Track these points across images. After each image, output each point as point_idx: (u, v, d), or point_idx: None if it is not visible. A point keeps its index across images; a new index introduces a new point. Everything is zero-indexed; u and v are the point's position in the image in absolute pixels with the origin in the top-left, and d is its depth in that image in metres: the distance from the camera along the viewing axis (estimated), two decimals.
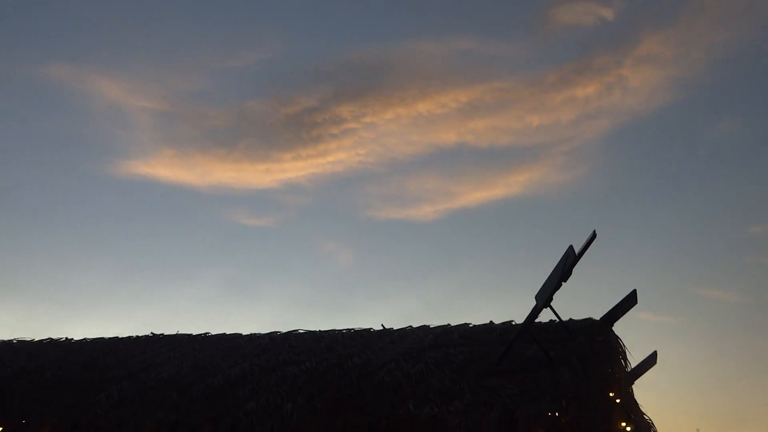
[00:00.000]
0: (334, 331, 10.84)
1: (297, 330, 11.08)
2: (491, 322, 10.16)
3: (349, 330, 10.88)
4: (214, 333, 11.70)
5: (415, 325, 10.70)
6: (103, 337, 11.74)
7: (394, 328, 10.43)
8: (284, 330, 11.17)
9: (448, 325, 10.67)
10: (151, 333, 11.76)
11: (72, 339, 12.25)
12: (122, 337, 11.58)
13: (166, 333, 11.86)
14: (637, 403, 9.62)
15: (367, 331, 10.66)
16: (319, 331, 11.18)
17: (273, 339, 11.14)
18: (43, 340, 12.35)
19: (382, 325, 10.48)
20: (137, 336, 11.78)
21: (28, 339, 12.45)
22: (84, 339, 12.10)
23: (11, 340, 12.36)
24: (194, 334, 11.55)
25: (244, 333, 11.56)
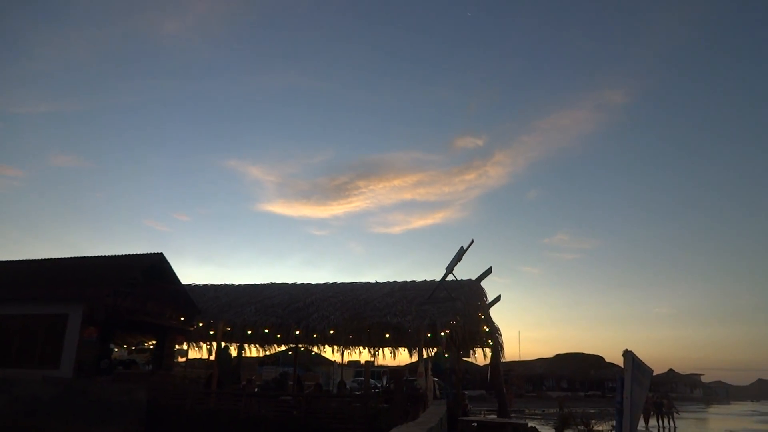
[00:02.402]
0: (353, 282, 20.21)
1: (337, 282, 20.57)
2: (425, 280, 19.16)
3: (361, 282, 20.21)
4: (299, 282, 21.20)
5: (390, 281, 19.87)
6: (249, 283, 21.56)
7: (381, 282, 19.81)
8: (330, 282, 20.64)
9: (413, 281, 19.72)
10: (270, 282, 21.58)
11: (234, 284, 22.01)
12: (256, 284, 21.44)
13: (275, 282, 21.52)
14: (491, 318, 18.06)
15: (369, 282, 19.98)
16: (347, 282, 20.44)
17: (326, 286, 20.48)
18: (211, 284, 22.31)
19: (376, 280, 19.92)
20: (261, 283, 21.57)
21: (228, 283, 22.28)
22: (239, 284, 21.83)
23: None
24: (289, 282, 21.19)
25: (312, 282, 21.03)
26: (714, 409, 64.46)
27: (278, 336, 18.24)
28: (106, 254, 18.52)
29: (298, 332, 17.11)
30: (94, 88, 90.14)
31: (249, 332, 17.66)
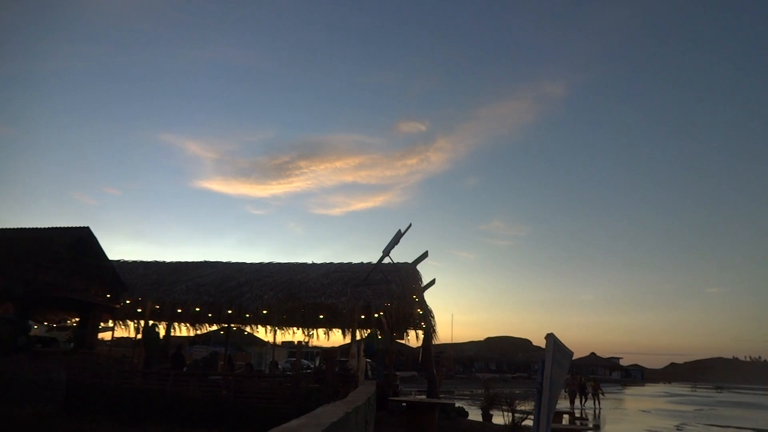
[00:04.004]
0: (289, 263, 20.10)
1: (272, 262, 20.40)
2: (362, 262, 19.20)
3: (297, 263, 20.13)
4: (233, 261, 20.85)
5: (327, 262, 19.87)
6: (181, 261, 21.04)
7: (317, 263, 19.78)
8: (266, 261, 20.46)
9: (350, 263, 19.75)
10: (204, 260, 21.13)
11: (165, 261, 21.39)
12: (188, 261, 20.94)
13: (209, 260, 21.08)
14: (425, 301, 18.45)
15: (305, 263, 19.91)
16: (283, 263, 20.30)
17: (261, 265, 20.22)
18: (140, 261, 21.63)
19: (313, 261, 19.87)
20: (194, 261, 21.10)
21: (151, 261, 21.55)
22: (170, 261, 21.33)
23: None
24: (224, 261, 20.83)
25: (247, 262, 20.70)
26: (630, 390, 68.30)
27: (209, 315, 17.95)
28: (29, 227, 17.60)
29: (230, 312, 16.85)
30: (18, 50, 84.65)
31: (179, 311, 17.29)
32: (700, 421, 26.18)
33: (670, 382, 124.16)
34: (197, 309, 16.98)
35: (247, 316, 17.18)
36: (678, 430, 21.66)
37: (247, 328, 21.69)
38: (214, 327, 22.41)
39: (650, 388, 78.12)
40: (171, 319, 18.83)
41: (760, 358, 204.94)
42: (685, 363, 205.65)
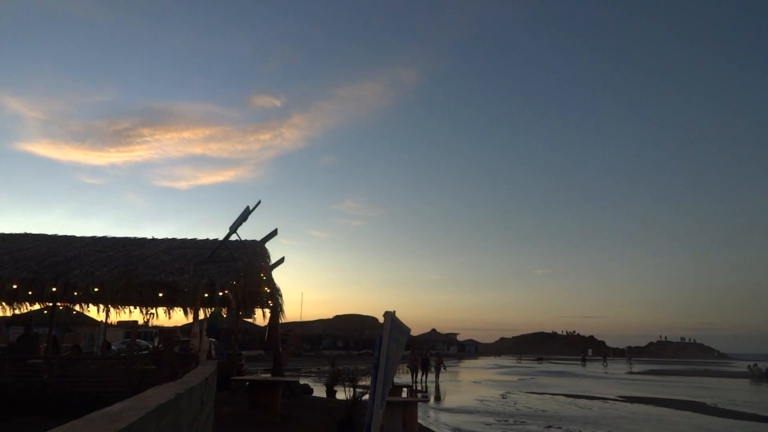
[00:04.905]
0: (126, 237, 18.77)
1: (107, 236, 18.89)
2: (207, 238, 18.59)
3: (136, 237, 18.86)
4: (62, 234, 18.93)
5: (170, 237, 18.93)
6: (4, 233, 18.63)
7: (159, 238, 18.70)
8: (99, 235, 18.90)
9: (194, 239, 18.95)
10: (24, 232, 18.90)
11: None
12: (6, 233, 18.62)
13: (32, 232, 19.00)
14: (273, 280, 18.29)
15: (145, 238, 18.73)
16: (119, 237, 18.93)
17: (94, 239, 18.63)
18: None
19: (153, 236, 18.74)
20: (16, 233, 18.85)
21: None
22: None
23: None
24: (49, 234, 18.84)
25: (79, 235, 18.98)
26: (465, 363, 73.79)
27: (30, 293, 16.12)
28: None
29: (54, 289, 15.30)
30: None
31: None
32: (522, 389, 29.04)
33: (500, 355, 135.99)
34: (14, 286, 15.19)
35: (75, 294, 15.70)
36: (503, 398, 23.80)
37: (77, 307, 19.90)
38: (37, 306, 20.29)
39: (482, 361, 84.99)
40: None
41: (575, 332, 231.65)
42: (513, 337, 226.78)
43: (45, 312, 21.35)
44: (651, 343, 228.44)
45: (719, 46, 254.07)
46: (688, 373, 61.76)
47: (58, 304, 18.82)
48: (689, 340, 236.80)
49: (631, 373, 55.97)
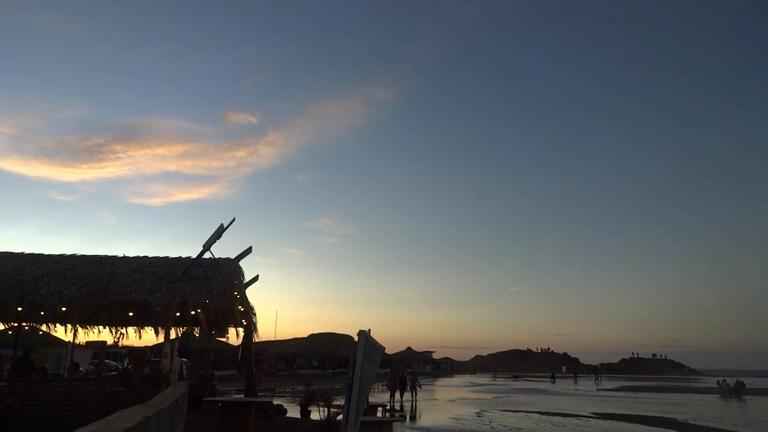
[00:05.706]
0: (97, 255, 18.36)
1: (76, 254, 18.43)
2: (180, 256, 18.30)
3: (107, 255, 18.45)
4: (28, 252, 18.44)
5: (141, 255, 18.61)
6: None
7: (130, 256, 18.37)
8: (69, 253, 18.42)
9: (166, 257, 18.63)
10: None
11: None
12: None
13: (0, 250, 18.39)
14: (247, 297, 18.05)
15: (116, 256, 18.34)
16: (89, 255, 18.46)
17: (62, 257, 18.13)
18: None
19: (124, 254, 18.39)
20: None
21: None
22: None
23: None
24: (16, 251, 18.31)
25: (46, 253, 18.48)
26: (441, 381, 73.57)
27: None
28: None
29: (20, 309, 14.84)
30: None
31: None
32: (497, 407, 29.02)
33: (475, 373, 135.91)
34: None
35: (43, 314, 15.25)
36: (478, 416, 23.75)
37: (43, 327, 19.31)
38: (0, 327, 19.65)
39: (458, 379, 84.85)
40: None
41: (549, 349, 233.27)
42: (488, 355, 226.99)
43: (9, 333, 20.68)
44: (623, 360, 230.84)
45: (692, 67, 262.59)
46: (659, 389, 62.55)
47: (24, 324, 18.25)
48: (661, 356, 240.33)
49: (600, 390, 56.46)
